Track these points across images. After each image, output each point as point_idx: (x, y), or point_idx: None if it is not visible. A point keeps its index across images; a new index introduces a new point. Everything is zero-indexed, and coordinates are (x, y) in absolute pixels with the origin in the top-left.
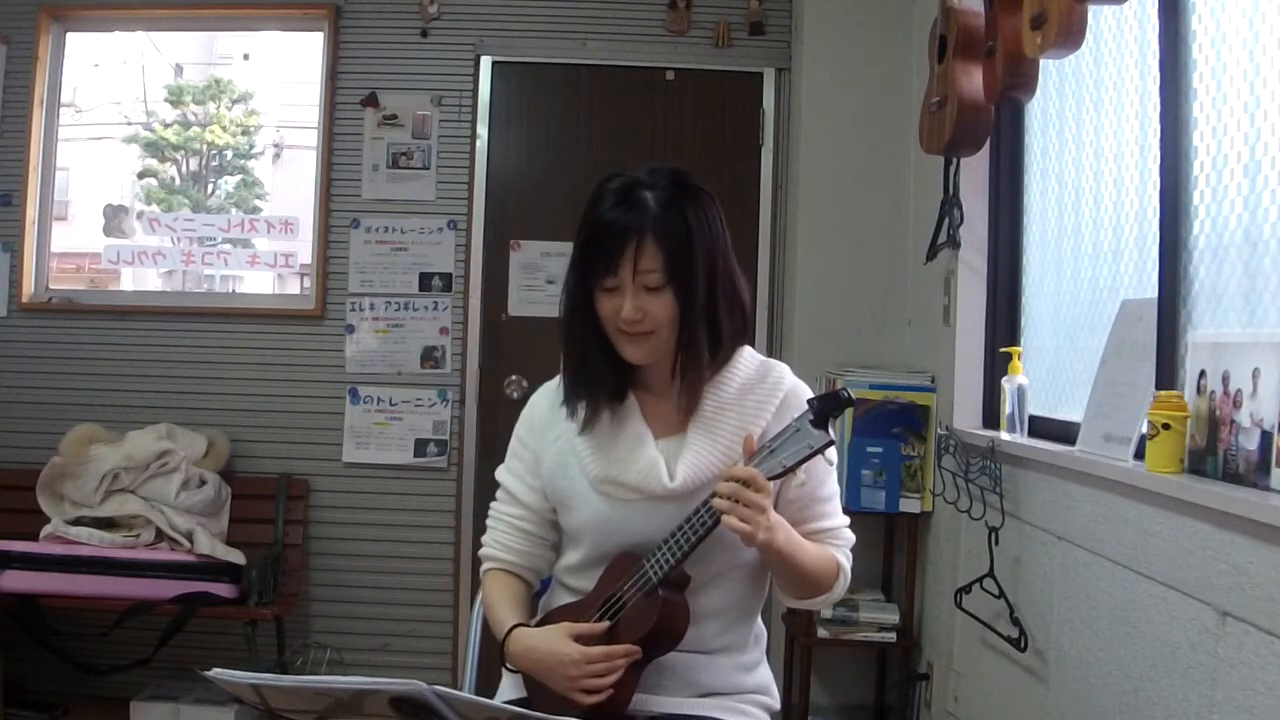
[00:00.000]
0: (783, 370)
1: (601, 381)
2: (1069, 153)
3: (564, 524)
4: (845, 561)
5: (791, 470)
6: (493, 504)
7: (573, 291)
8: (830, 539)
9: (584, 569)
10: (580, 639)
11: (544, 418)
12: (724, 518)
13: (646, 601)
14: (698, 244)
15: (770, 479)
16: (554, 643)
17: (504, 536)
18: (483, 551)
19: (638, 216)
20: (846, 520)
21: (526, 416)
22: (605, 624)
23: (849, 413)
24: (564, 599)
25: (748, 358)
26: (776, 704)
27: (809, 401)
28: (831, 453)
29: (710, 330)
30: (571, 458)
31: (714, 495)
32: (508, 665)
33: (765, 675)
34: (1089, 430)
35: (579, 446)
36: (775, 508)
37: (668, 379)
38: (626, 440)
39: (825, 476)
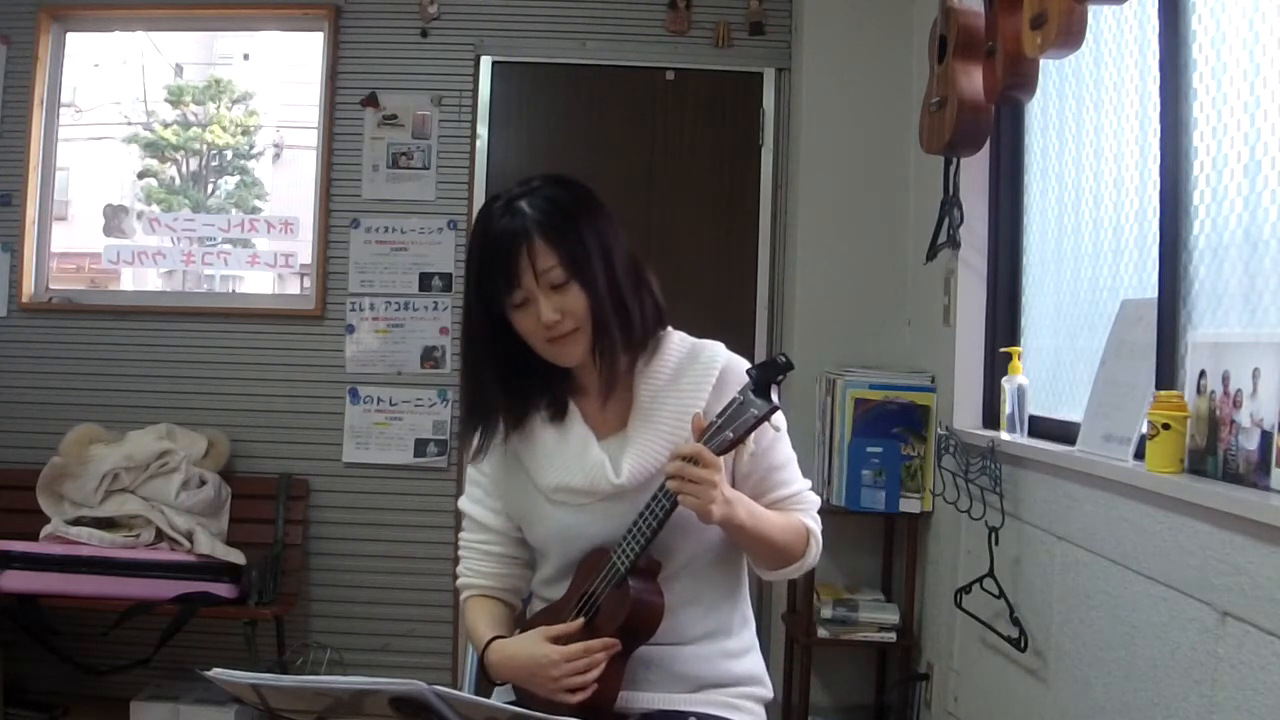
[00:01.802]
0: (715, 348)
1: (491, 408)
2: (1069, 153)
3: (530, 540)
4: (814, 525)
5: (740, 441)
6: (460, 534)
7: (475, 321)
8: (793, 504)
9: (557, 580)
10: (557, 640)
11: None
12: (680, 497)
13: (618, 593)
14: (586, 232)
15: (719, 453)
16: (532, 647)
17: (476, 563)
18: (459, 582)
19: (520, 222)
20: (808, 484)
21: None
22: (579, 621)
23: (849, 413)
24: None
25: (677, 342)
26: (769, 693)
27: (747, 371)
28: (779, 419)
29: (619, 313)
30: (522, 474)
31: (667, 478)
32: (493, 680)
33: (755, 663)
34: (1089, 430)
35: (528, 461)
36: (733, 485)
37: (596, 377)
38: (572, 447)
39: (776, 444)
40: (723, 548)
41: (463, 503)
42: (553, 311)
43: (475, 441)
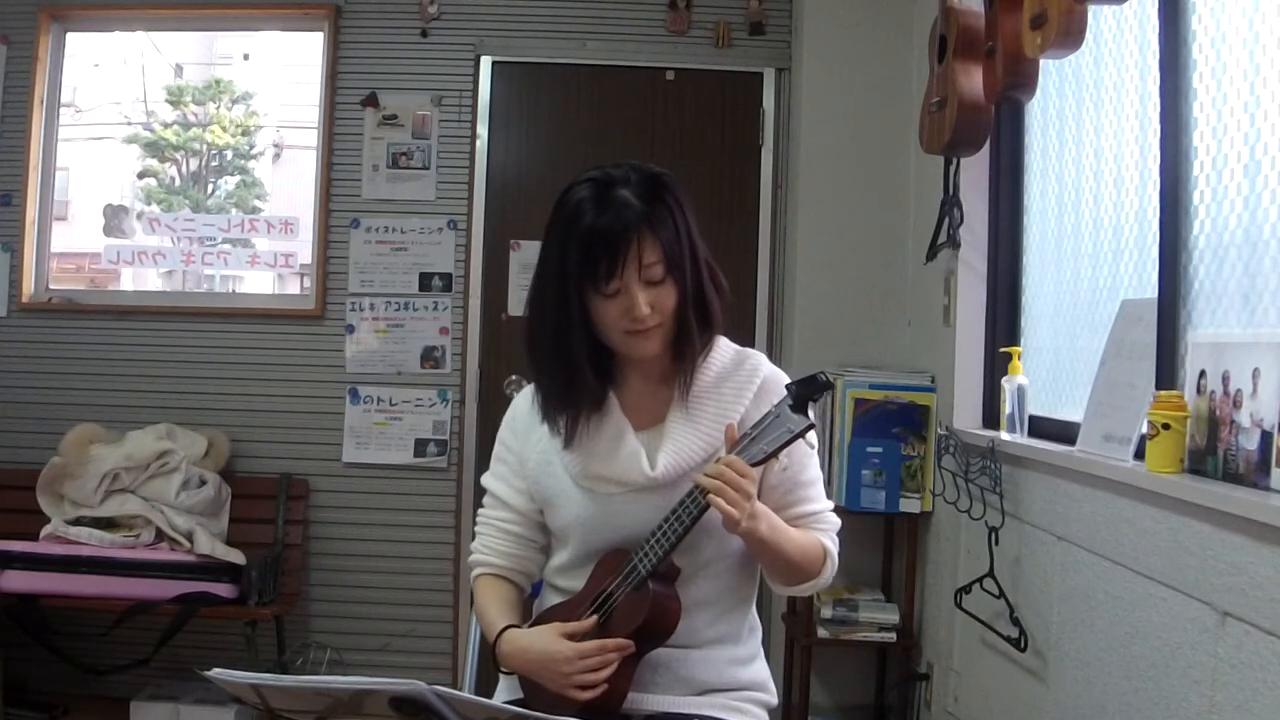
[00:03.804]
0: (759, 358)
1: (587, 391)
2: (1069, 153)
3: (551, 523)
4: (832, 546)
5: (774, 455)
6: (480, 510)
7: (564, 304)
8: (815, 523)
9: (573, 568)
10: (571, 637)
11: (526, 420)
12: (711, 497)
13: (637, 595)
14: (682, 230)
15: (753, 465)
16: (546, 641)
17: (493, 541)
18: (472, 558)
19: (630, 215)
20: (831, 504)
21: (509, 420)
22: (593, 619)
23: (849, 413)
24: (555, 600)
25: (723, 347)
26: (774, 700)
27: (787, 386)
28: (812, 437)
29: (701, 313)
30: (554, 456)
31: (696, 486)
32: (501, 668)
33: (762, 670)
34: (1089, 430)
35: (560, 445)
36: (759, 495)
37: (652, 370)
38: (607, 435)
39: (807, 461)
40: (742, 555)
41: (486, 478)
42: (646, 306)
43: (563, 428)
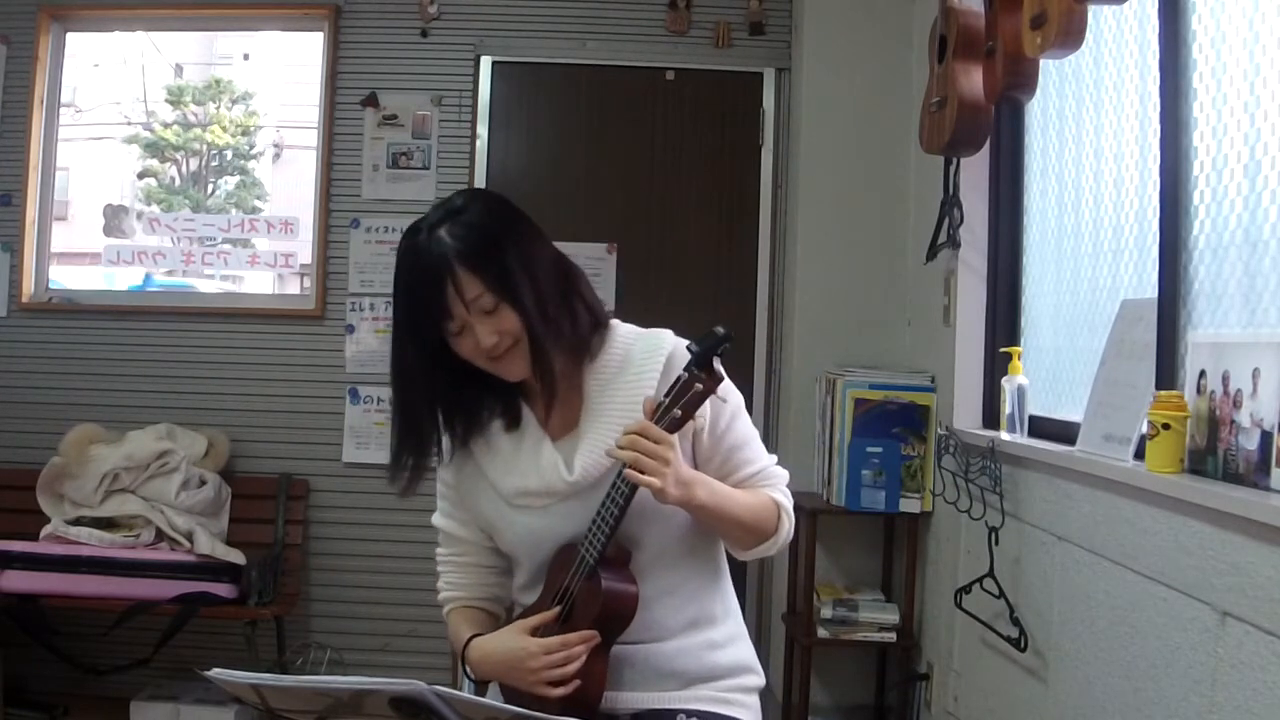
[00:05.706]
0: (661, 335)
1: (424, 441)
2: (1069, 153)
3: (501, 547)
4: (784, 499)
5: (689, 416)
6: (436, 550)
7: (407, 353)
8: (760, 481)
9: (533, 585)
10: (535, 631)
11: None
12: (627, 472)
13: (590, 585)
14: (508, 253)
15: (670, 430)
16: (509, 641)
17: (453, 576)
18: (439, 597)
19: (441, 252)
20: (773, 459)
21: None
22: (556, 609)
23: (849, 413)
24: None
25: (623, 334)
26: (761, 680)
27: (688, 348)
28: (729, 393)
29: (550, 326)
30: (485, 483)
31: (624, 466)
32: (474, 677)
33: (742, 651)
34: (1089, 430)
35: (488, 470)
36: (698, 468)
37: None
38: (527, 451)
39: (734, 423)
40: (694, 535)
41: (435, 518)
42: (490, 335)
43: (406, 478)
